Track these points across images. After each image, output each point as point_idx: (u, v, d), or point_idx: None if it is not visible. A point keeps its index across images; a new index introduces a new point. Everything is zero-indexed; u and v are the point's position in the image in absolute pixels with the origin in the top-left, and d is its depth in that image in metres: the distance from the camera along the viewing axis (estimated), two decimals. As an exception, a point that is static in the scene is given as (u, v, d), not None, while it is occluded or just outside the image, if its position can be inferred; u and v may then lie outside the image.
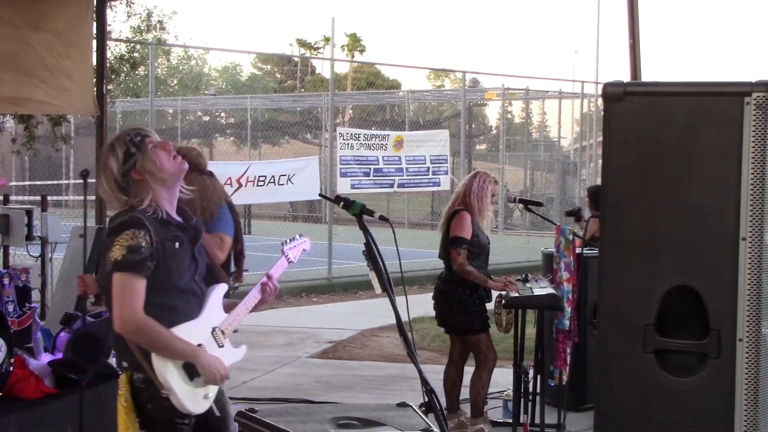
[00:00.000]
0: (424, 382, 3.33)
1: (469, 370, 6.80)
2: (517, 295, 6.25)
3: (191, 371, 3.56)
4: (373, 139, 15.17)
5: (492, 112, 40.53)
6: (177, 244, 3.59)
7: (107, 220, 3.76)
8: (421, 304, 9.35)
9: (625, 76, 6.75)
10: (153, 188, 3.59)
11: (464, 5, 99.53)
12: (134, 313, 3.44)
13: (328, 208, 17.08)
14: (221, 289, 3.82)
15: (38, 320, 6.00)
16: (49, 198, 11.44)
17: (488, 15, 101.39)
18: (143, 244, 3.46)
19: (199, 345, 3.60)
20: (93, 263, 6.87)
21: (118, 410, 3.55)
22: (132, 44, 15.59)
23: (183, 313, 3.60)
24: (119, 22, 17.89)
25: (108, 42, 9.23)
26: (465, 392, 6.84)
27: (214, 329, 3.70)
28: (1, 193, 10.13)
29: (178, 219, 3.69)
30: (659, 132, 4.49)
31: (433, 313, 6.82)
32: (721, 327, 4.37)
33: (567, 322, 6.33)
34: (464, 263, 6.43)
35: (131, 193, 3.60)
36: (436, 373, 6.85)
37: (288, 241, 4.25)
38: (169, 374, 3.51)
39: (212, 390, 3.67)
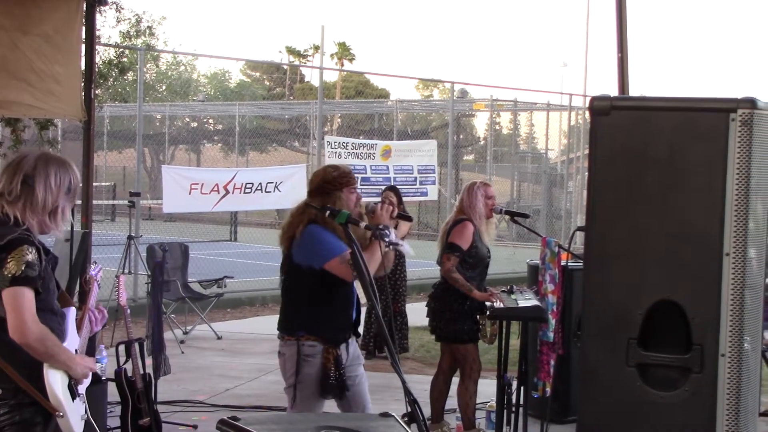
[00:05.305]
0: (407, 393, 3.33)
1: (455, 381, 6.80)
2: (501, 306, 6.26)
3: (73, 392, 3.67)
4: (361, 148, 15.18)
5: (480, 123, 40.59)
6: (50, 267, 3.69)
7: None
8: (408, 313, 9.36)
9: (614, 90, 6.77)
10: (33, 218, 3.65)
11: (454, 16, 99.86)
12: (37, 323, 3.49)
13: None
14: (73, 312, 3.91)
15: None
16: (34, 202, 11.31)
17: (478, 26, 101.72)
18: (35, 261, 3.52)
19: None
20: (78, 267, 6.85)
21: None
22: (121, 49, 15.53)
23: (57, 333, 3.67)
24: (108, 27, 17.86)
25: (97, 47, 9.19)
26: (449, 403, 6.84)
27: (75, 351, 3.82)
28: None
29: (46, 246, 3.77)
30: (646, 146, 4.51)
31: (417, 323, 6.82)
32: (704, 342, 4.39)
33: (551, 334, 6.33)
34: (451, 269, 6.45)
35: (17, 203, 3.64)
36: (419, 384, 6.86)
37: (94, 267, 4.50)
38: (62, 396, 3.57)
39: (83, 410, 3.77)
